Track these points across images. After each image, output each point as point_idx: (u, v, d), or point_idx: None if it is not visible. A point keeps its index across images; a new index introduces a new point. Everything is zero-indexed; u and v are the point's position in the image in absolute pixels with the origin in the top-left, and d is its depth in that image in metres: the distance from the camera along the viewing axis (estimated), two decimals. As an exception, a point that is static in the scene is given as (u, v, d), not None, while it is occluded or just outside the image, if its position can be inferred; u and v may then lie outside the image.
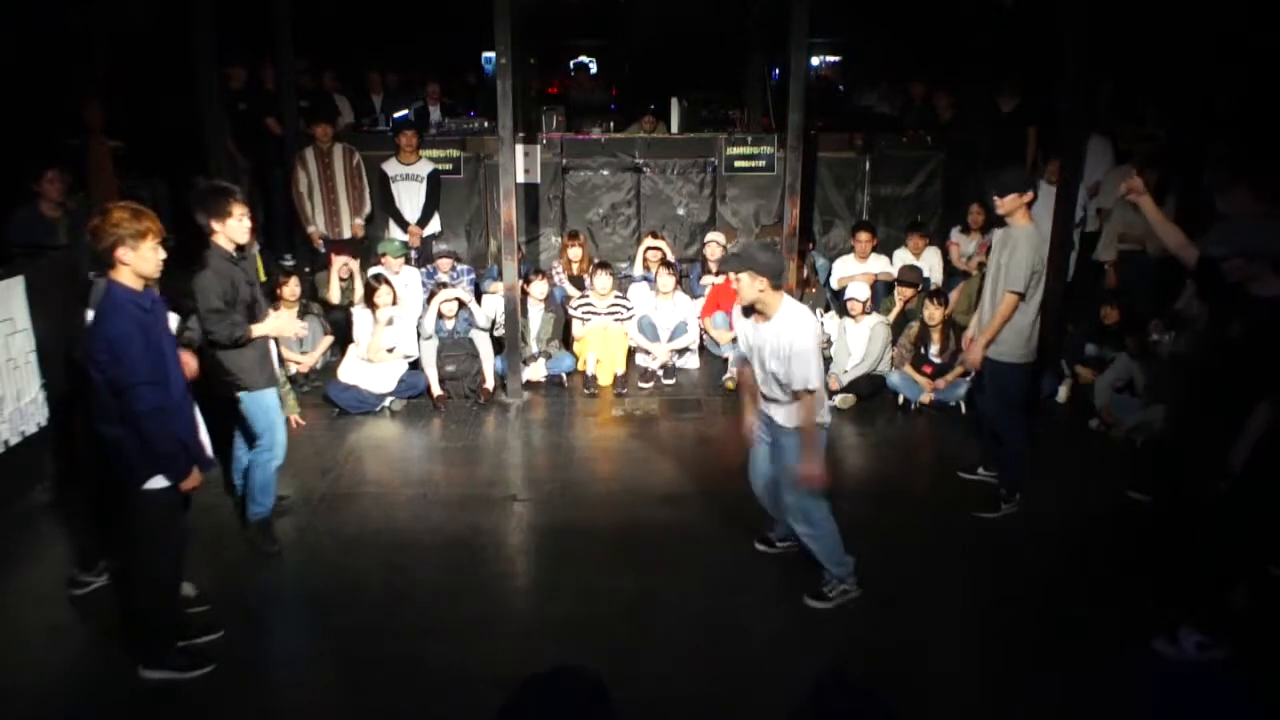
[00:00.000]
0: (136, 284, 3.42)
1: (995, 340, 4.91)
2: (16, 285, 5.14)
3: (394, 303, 6.56)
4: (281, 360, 4.82)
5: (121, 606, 4.03)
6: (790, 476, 4.05)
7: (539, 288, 7.08)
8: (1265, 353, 3.69)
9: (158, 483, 3.47)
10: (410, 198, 7.88)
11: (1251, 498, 3.76)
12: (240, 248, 4.36)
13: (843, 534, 4.22)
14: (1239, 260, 3.66)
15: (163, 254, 3.48)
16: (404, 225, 7.84)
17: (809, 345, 3.84)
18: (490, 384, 6.78)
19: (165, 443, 3.40)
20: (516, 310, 6.69)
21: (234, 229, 4.27)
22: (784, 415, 4.03)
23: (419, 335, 6.77)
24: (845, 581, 4.23)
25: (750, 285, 3.86)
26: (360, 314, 6.64)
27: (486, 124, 8.48)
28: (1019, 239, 4.85)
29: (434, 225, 8.03)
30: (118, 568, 4.22)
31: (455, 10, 10.26)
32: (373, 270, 7.01)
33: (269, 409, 4.54)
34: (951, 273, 7.92)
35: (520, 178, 8.15)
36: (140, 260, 3.38)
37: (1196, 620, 3.82)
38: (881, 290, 7.72)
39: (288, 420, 6.19)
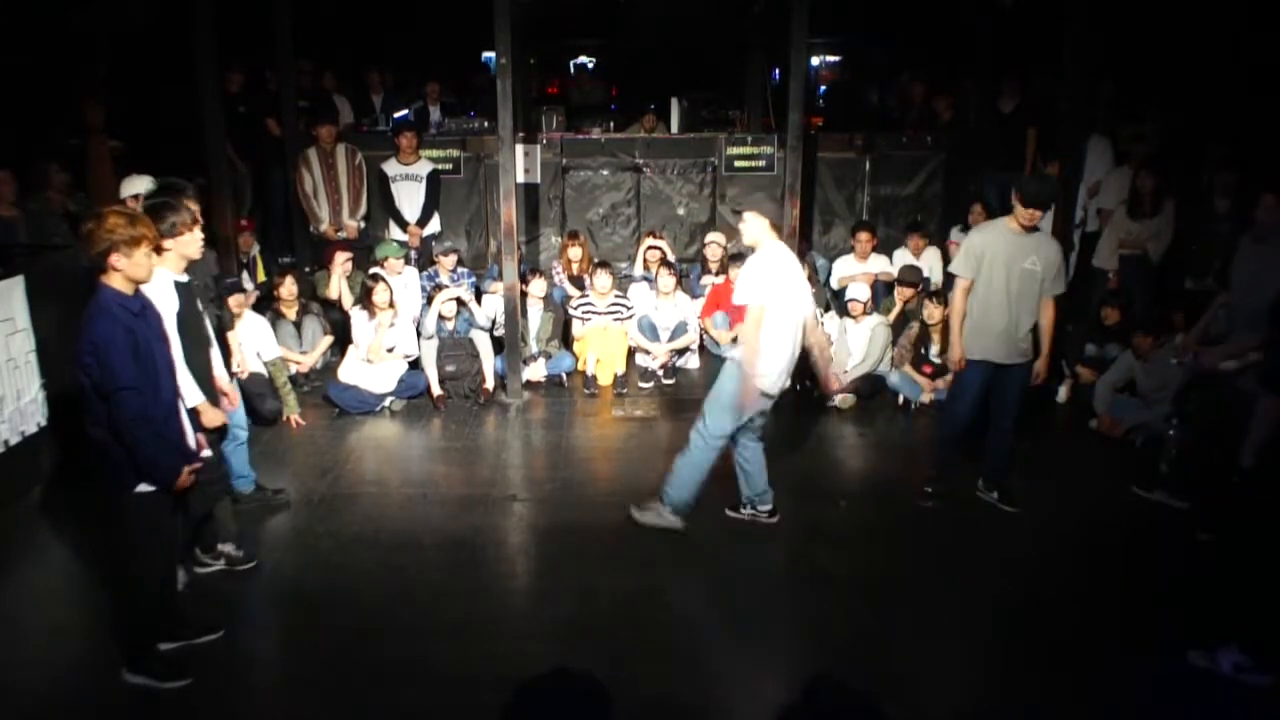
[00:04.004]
0: (127, 288, 3.37)
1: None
2: (16, 285, 5.13)
3: (390, 305, 6.55)
4: (229, 371, 4.58)
5: (115, 608, 4.01)
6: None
7: (536, 286, 7.08)
8: None
9: (146, 485, 3.45)
10: (410, 198, 7.87)
11: (1263, 502, 3.64)
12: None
13: (842, 532, 4.46)
14: None
15: (158, 260, 3.45)
16: (404, 225, 7.85)
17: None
18: (490, 384, 6.77)
19: (150, 449, 3.36)
20: (516, 310, 6.68)
21: (187, 244, 3.89)
22: None
23: (419, 335, 6.77)
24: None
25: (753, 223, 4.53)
26: (358, 316, 6.64)
27: (486, 124, 8.48)
28: (1051, 242, 4.90)
29: (434, 225, 8.03)
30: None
31: (455, 10, 10.25)
32: (371, 270, 7.00)
33: None
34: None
35: (520, 178, 8.15)
36: (133, 267, 3.32)
37: (1239, 639, 3.65)
38: (881, 290, 7.71)
39: (287, 420, 6.23)
